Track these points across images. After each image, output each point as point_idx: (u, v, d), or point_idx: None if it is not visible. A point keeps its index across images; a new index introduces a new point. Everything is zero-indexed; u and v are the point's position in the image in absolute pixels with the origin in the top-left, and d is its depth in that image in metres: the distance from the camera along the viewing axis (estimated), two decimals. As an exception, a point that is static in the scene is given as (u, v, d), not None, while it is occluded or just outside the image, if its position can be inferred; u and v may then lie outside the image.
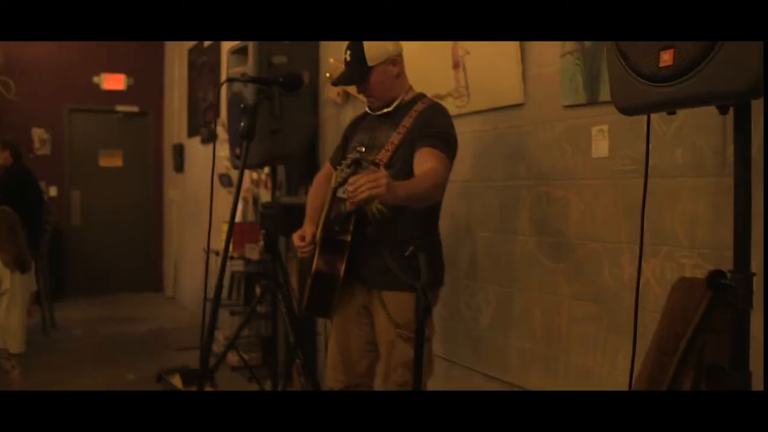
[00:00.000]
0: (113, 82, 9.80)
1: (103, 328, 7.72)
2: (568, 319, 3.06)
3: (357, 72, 2.93)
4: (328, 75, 4.90)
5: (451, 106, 3.39)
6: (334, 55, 4.82)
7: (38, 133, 9.47)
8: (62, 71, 9.44)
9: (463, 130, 3.25)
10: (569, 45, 2.99)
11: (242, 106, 3.97)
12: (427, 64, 3.67)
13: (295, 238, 3.02)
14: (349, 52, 2.94)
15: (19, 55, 9.13)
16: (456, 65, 3.63)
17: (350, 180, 2.39)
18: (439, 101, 3.14)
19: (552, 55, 3.10)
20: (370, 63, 2.89)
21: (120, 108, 9.92)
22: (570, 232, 3.05)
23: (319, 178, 3.25)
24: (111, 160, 10.02)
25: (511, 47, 3.28)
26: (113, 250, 9.91)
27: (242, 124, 3.11)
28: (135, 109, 10.01)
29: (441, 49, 3.69)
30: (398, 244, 2.57)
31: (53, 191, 9.48)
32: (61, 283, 8.93)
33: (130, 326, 7.82)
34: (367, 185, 2.33)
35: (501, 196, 3.46)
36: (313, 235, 2.99)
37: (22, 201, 5.76)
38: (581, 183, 3.00)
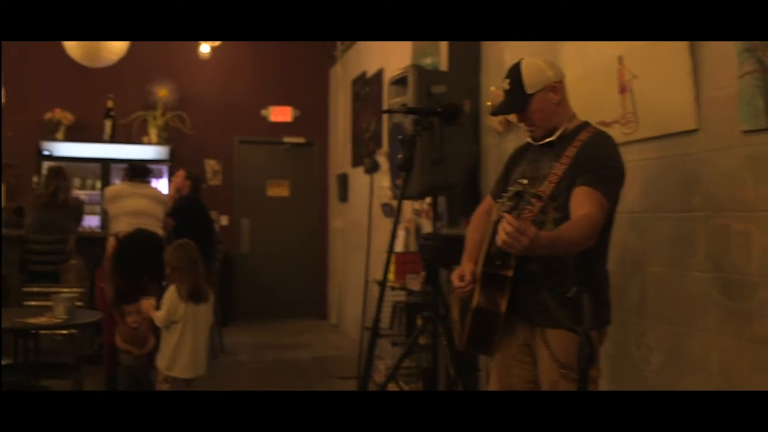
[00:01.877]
0: (280, 114, 10.11)
1: (267, 353, 7.89)
2: (751, 366, 2.80)
3: (516, 100, 2.84)
4: (489, 103, 4.81)
5: (617, 134, 3.22)
6: (495, 83, 4.74)
7: (211, 165, 9.89)
8: (232, 105, 9.83)
9: (631, 158, 3.08)
10: (747, 65, 2.77)
11: (400, 137, 3.95)
12: (590, 89, 3.52)
13: (454, 278, 2.92)
14: (507, 81, 2.85)
15: (193, 90, 9.58)
16: (623, 90, 3.45)
17: (504, 216, 2.31)
18: (605, 129, 2.99)
19: (728, 77, 2.88)
20: (529, 91, 2.78)
21: (287, 139, 10.20)
22: (752, 269, 2.80)
23: (478, 211, 3.14)
24: (278, 190, 10.31)
25: (682, 69, 3.08)
26: (280, 277, 10.15)
27: (400, 155, 3.08)
28: (301, 140, 10.27)
29: (606, 74, 3.52)
30: (561, 282, 2.45)
31: (225, 220, 9.84)
32: (230, 309, 9.20)
33: (294, 353, 7.94)
34: (509, 237, 2.26)
35: (673, 229, 3.25)
36: (473, 274, 2.89)
37: (192, 229, 5.94)
38: (764, 215, 2.75)
